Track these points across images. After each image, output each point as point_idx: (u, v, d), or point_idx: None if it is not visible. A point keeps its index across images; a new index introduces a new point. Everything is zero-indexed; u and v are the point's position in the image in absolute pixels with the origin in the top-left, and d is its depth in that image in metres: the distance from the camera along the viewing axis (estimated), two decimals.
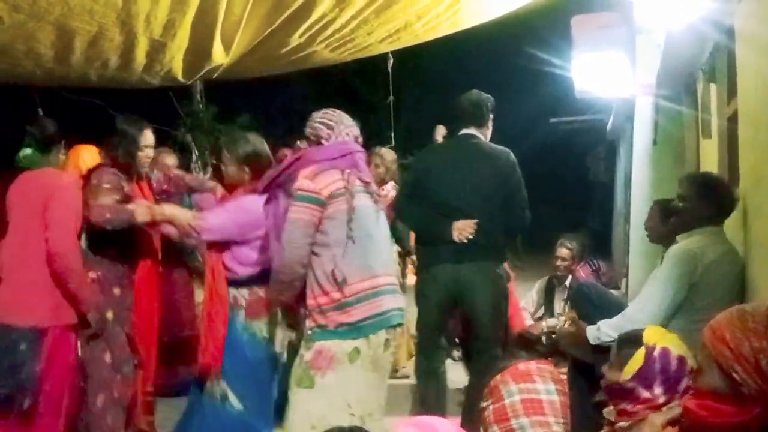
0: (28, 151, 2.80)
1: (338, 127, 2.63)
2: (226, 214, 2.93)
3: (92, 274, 2.91)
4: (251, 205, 2.83)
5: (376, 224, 2.58)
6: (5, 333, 2.60)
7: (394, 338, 2.54)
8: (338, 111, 2.73)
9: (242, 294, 2.91)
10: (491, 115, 3.53)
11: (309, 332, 2.49)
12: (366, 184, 2.59)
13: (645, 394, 2.02)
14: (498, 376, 3.01)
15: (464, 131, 3.46)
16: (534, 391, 2.87)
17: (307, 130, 2.67)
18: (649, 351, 2.06)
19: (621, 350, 2.12)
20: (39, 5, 2.65)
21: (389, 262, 2.65)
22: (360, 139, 2.71)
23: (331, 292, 2.44)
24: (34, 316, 2.65)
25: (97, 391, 2.87)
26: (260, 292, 2.89)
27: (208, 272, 2.95)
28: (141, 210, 2.89)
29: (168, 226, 3.01)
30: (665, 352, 2.05)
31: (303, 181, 2.47)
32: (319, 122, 2.64)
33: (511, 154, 3.44)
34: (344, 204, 2.47)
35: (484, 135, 3.48)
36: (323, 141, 2.62)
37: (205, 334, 2.90)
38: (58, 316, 2.70)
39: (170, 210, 2.99)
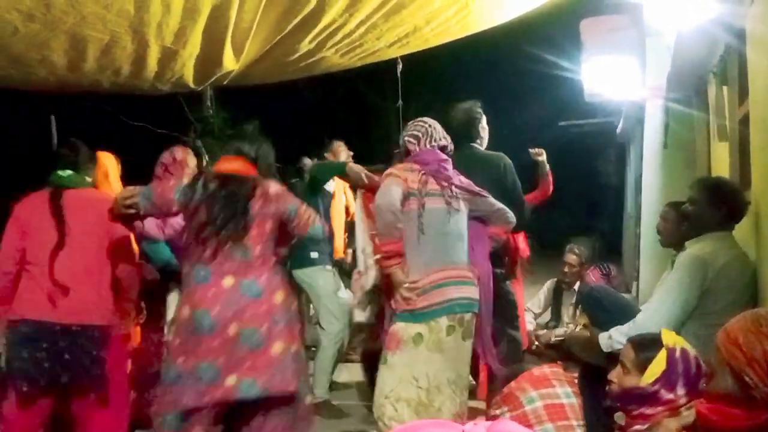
0: (69, 172, 2.93)
1: (424, 138, 2.98)
2: None
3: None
4: None
5: (447, 223, 2.85)
6: (85, 331, 2.83)
7: (460, 324, 2.81)
8: (428, 121, 3.05)
9: None
10: (481, 125, 3.76)
11: (387, 316, 2.90)
12: (443, 187, 2.87)
13: (668, 395, 2.03)
14: (513, 383, 2.99)
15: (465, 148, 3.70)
16: (555, 396, 2.86)
17: (401, 142, 3.07)
18: (671, 353, 2.07)
19: (640, 355, 2.11)
20: (53, 15, 2.68)
21: (459, 257, 2.87)
22: (448, 148, 3.03)
23: (402, 282, 2.79)
24: (105, 317, 2.91)
25: None
26: None
27: None
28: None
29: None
30: (686, 353, 2.07)
31: (388, 170, 2.92)
32: (408, 136, 3.02)
33: (505, 158, 3.64)
34: (416, 203, 2.81)
35: (480, 144, 3.73)
36: (411, 152, 3.00)
37: None
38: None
39: None
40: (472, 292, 2.88)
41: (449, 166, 2.98)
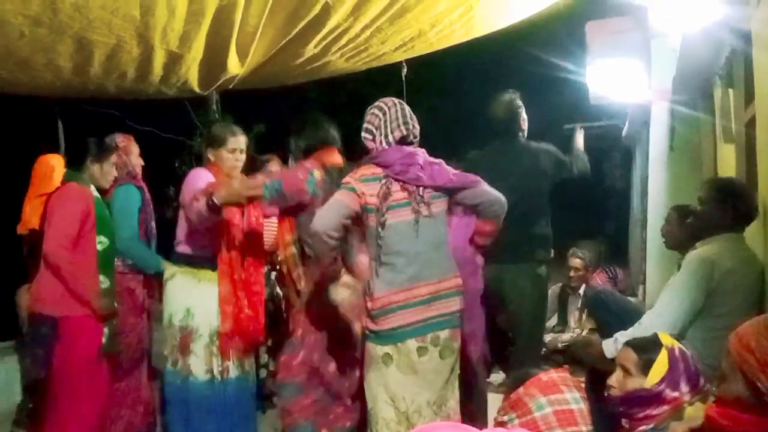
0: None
1: (378, 132, 2.64)
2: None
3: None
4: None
5: (415, 237, 2.55)
6: (37, 322, 3.00)
7: (435, 344, 2.56)
8: (382, 107, 2.67)
9: None
10: (522, 117, 3.97)
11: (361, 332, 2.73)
12: (410, 193, 2.55)
13: (673, 394, 2.04)
14: (521, 389, 2.98)
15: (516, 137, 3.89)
16: (564, 402, 2.85)
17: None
18: (671, 353, 2.08)
19: (642, 357, 2.11)
20: (59, 19, 2.69)
21: (432, 270, 2.57)
22: (411, 136, 2.64)
23: (367, 301, 2.59)
24: (51, 307, 3.00)
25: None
26: None
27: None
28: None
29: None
30: (684, 352, 2.10)
31: (347, 177, 2.62)
32: (363, 131, 2.68)
33: (551, 148, 3.91)
34: (374, 221, 2.55)
35: (522, 135, 3.90)
36: (369, 149, 2.68)
37: None
38: (71, 307, 2.99)
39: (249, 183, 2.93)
40: (450, 305, 2.60)
41: (416, 159, 2.59)
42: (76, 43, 2.97)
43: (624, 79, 6.00)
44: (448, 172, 2.62)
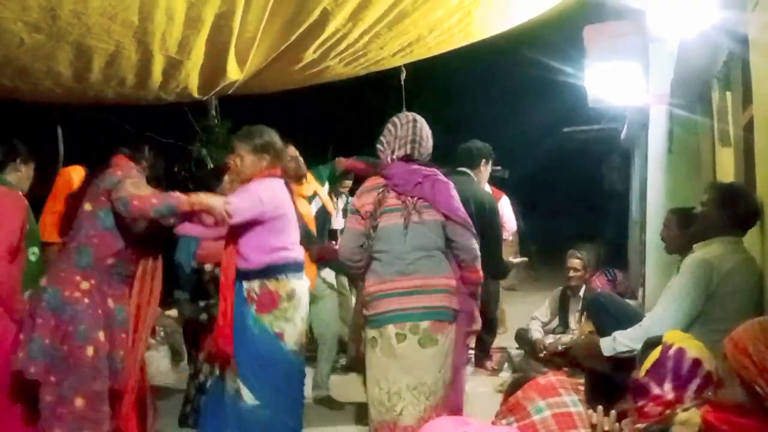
0: None
1: (388, 147, 2.92)
2: (247, 193, 2.94)
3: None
4: (272, 184, 3.00)
5: (403, 238, 2.82)
6: None
7: (414, 332, 2.78)
8: (396, 123, 2.93)
9: (253, 287, 2.95)
10: (483, 161, 4.18)
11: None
12: (404, 202, 2.82)
13: (656, 390, 2.05)
14: (519, 393, 2.98)
15: (459, 168, 4.09)
16: (562, 405, 2.85)
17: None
18: (665, 348, 2.10)
19: (645, 351, 2.15)
20: (58, 26, 2.70)
21: (418, 268, 2.81)
22: (416, 153, 2.90)
23: (363, 291, 2.93)
24: None
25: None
26: (270, 286, 2.94)
27: (223, 263, 3.01)
28: (182, 199, 2.83)
29: (204, 215, 2.92)
30: (680, 352, 2.09)
31: (354, 199, 3.03)
32: (378, 144, 2.96)
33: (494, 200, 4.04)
34: (369, 225, 2.86)
35: (476, 176, 4.11)
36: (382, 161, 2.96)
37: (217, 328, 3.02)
38: None
39: (205, 197, 2.89)
40: (432, 300, 2.80)
41: (415, 177, 2.84)
42: (76, 49, 2.98)
43: (622, 82, 6.02)
44: (447, 197, 2.86)
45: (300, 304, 3.02)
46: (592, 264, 5.34)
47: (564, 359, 4.34)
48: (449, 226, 2.84)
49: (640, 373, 2.10)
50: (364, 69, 4.26)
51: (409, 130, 2.89)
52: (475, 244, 2.88)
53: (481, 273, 2.91)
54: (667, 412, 1.98)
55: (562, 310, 5.13)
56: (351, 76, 4.46)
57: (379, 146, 2.94)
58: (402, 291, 2.80)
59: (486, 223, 3.80)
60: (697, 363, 2.06)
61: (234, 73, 3.69)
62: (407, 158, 2.87)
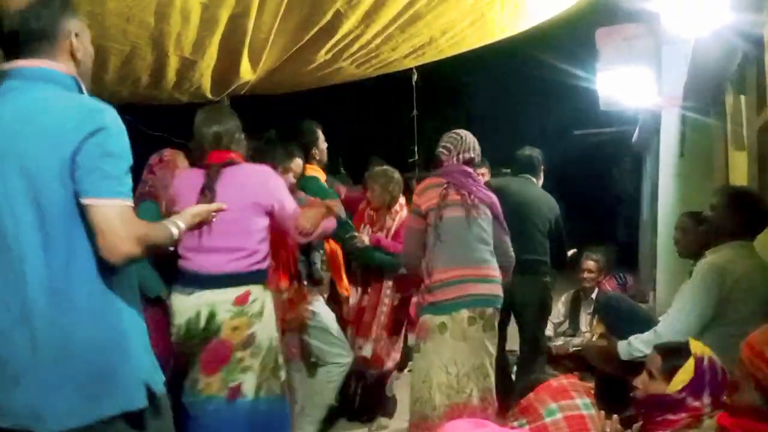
0: None
1: (454, 150, 3.22)
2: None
3: None
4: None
5: (467, 229, 3.07)
6: None
7: (481, 317, 3.02)
8: (460, 133, 3.29)
9: None
10: (542, 167, 4.32)
11: (416, 309, 3.31)
12: (463, 197, 3.10)
13: (694, 403, 2.01)
14: (531, 395, 2.98)
15: (522, 174, 4.23)
16: (575, 407, 2.85)
17: (436, 152, 3.30)
18: (699, 362, 2.06)
19: (667, 362, 2.10)
20: None
21: (479, 258, 3.07)
22: (475, 160, 3.26)
23: (425, 279, 3.09)
24: None
25: None
26: None
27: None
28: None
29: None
30: (713, 363, 2.07)
31: (414, 197, 3.22)
32: (441, 146, 3.26)
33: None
34: (433, 216, 3.08)
35: (537, 182, 4.27)
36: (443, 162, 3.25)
37: None
38: None
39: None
40: (494, 289, 3.08)
41: (471, 177, 3.20)
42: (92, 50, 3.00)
43: (634, 85, 6.00)
44: (490, 198, 3.19)
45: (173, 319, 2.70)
46: (606, 266, 5.33)
47: (574, 361, 4.33)
48: (495, 229, 3.16)
49: (671, 386, 2.04)
50: (375, 71, 4.27)
51: (472, 141, 3.26)
52: (512, 251, 3.22)
53: (508, 275, 3.23)
54: (698, 420, 1.97)
55: (573, 312, 5.12)
56: (363, 78, 4.47)
57: (444, 151, 3.24)
58: (473, 278, 3.03)
59: (556, 222, 4.08)
60: (725, 372, 2.05)
61: (247, 74, 3.71)
62: (469, 162, 3.21)
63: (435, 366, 3.00)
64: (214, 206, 2.15)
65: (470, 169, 3.23)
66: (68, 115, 1.57)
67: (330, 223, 3.01)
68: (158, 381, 1.69)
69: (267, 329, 2.72)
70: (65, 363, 1.57)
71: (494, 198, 3.22)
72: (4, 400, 1.59)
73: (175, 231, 1.79)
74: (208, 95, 4.02)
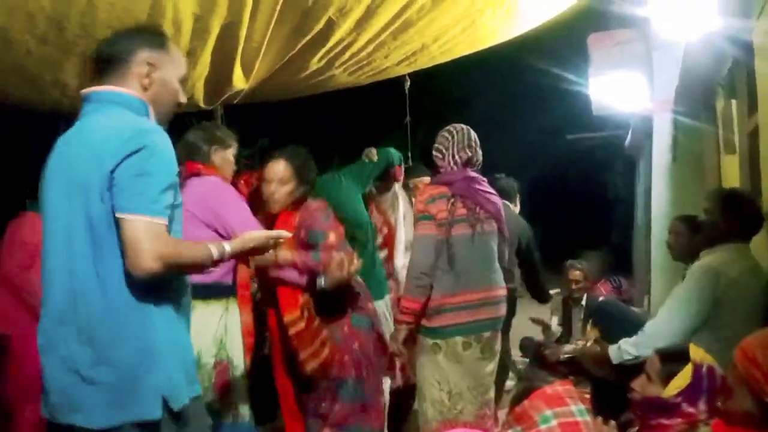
0: None
1: (447, 153, 2.96)
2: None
3: None
4: None
5: (471, 248, 2.87)
6: None
7: (478, 341, 2.90)
8: (452, 130, 2.98)
9: None
10: (518, 196, 4.33)
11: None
12: (469, 211, 2.87)
13: (689, 409, 2.00)
14: (526, 402, 2.97)
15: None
16: (570, 414, 2.83)
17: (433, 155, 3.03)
18: (697, 368, 2.05)
19: (665, 366, 2.10)
20: (65, 38, 2.72)
21: (483, 279, 2.90)
22: (474, 158, 2.97)
23: (427, 303, 2.89)
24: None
25: None
26: None
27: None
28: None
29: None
30: (712, 371, 2.05)
31: (421, 205, 2.92)
32: (434, 150, 2.99)
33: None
34: (444, 232, 2.84)
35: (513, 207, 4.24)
36: (439, 167, 3.01)
37: None
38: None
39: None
40: (494, 311, 2.94)
41: (476, 183, 2.95)
42: (83, 61, 2.99)
43: (626, 90, 6.03)
44: (496, 205, 2.98)
45: None
46: (595, 271, 5.33)
47: (567, 367, 4.33)
48: (500, 241, 2.98)
49: (667, 390, 2.04)
50: (368, 78, 4.27)
51: (465, 136, 2.96)
52: (507, 258, 3.08)
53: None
54: (694, 427, 1.96)
55: (565, 318, 5.13)
56: (355, 85, 4.48)
57: (437, 153, 2.97)
58: (470, 304, 2.87)
59: (527, 245, 4.02)
60: (725, 380, 2.02)
61: (240, 82, 3.70)
62: (467, 162, 2.94)
63: (428, 382, 2.92)
64: (274, 233, 2.06)
65: (473, 173, 2.96)
66: (116, 134, 1.68)
67: (288, 273, 2.75)
68: (182, 395, 1.73)
69: (205, 348, 2.65)
70: (98, 366, 1.67)
71: (499, 204, 3.02)
72: (56, 398, 1.72)
73: (215, 252, 1.80)
74: (201, 104, 4.01)
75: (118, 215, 1.65)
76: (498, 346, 2.98)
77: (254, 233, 2.01)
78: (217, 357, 2.70)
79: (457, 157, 2.93)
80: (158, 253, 1.63)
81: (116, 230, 1.66)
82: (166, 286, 1.73)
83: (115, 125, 1.71)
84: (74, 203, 1.69)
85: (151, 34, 1.88)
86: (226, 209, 2.70)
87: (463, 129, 2.98)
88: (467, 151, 2.94)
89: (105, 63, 1.81)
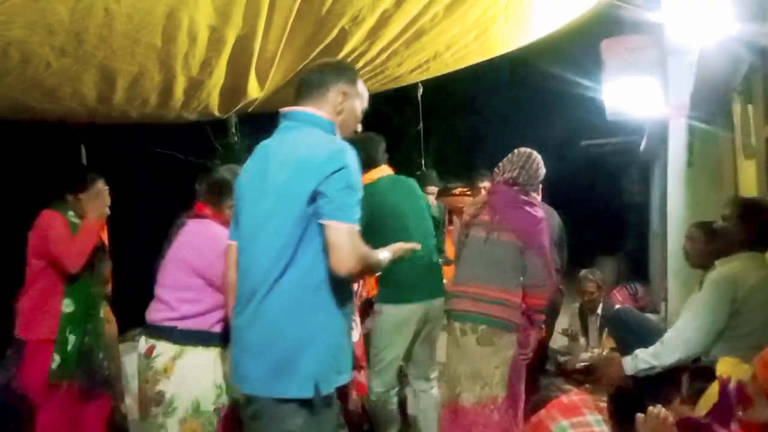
0: None
1: (500, 169, 3.36)
2: None
3: None
4: None
5: (483, 249, 3.24)
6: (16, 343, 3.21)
7: (473, 331, 3.18)
8: (517, 153, 3.34)
9: None
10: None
11: None
12: (492, 218, 3.25)
13: (721, 430, 1.90)
14: (542, 412, 2.96)
15: None
16: (586, 424, 2.81)
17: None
18: (723, 386, 1.98)
19: (692, 383, 2.06)
20: (84, 50, 2.75)
21: (488, 278, 3.20)
22: (520, 179, 3.30)
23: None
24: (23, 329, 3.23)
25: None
26: None
27: None
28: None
29: None
30: (741, 387, 1.95)
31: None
32: (498, 165, 3.39)
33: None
34: (463, 233, 3.39)
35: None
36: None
37: None
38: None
39: None
40: (490, 309, 3.18)
41: (509, 199, 3.26)
42: (101, 71, 3.03)
43: (641, 95, 5.99)
44: (529, 226, 3.21)
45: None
46: (610, 279, 5.31)
47: (583, 376, 4.30)
48: (525, 252, 3.19)
49: (697, 410, 1.98)
50: (381, 86, 4.29)
51: (522, 159, 3.32)
52: (545, 275, 3.20)
53: (542, 301, 3.23)
54: None
55: (582, 326, 5.10)
56: (369, 93, 4.49)
57: (495, 169, 3.39)
58: (473, 296, 3.22)
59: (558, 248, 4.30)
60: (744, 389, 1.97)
61: (254, 92, 3.73)
62: (512, 181, 3.28)
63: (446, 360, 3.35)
64: (409, 246, 2.34)
65: (512, 191, 3.27)
66: (319, 152, 1.99)
67: None
68: (330, 381, 2.01)
69: (185, 390, 2.61)
70: (266, 342, 1.99)
71: (533, 222, 3.20)
72: (239, 367, 2.07)
73: (383, 258, 2.13)
74: (216, 113, 4.05)
75: (324, 222, 1.94)
76: (501, 342, 3.16)
77: (398, 244, 2.31)
78: (216, 403, 2.68)
79: (504, 175, 3.30)
80: (358, 255, 1.93)
81: (312, 233, 1.95)
82: (340, 290, 2.01)
83: (317, 143, 2.02)
84: (271, 205, 2.00)
85: (349, 70, 2.26)
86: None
87: (523, 153, 3.34)
88: (514, 172, 3.30)
89: (308, 87, 2.17)
